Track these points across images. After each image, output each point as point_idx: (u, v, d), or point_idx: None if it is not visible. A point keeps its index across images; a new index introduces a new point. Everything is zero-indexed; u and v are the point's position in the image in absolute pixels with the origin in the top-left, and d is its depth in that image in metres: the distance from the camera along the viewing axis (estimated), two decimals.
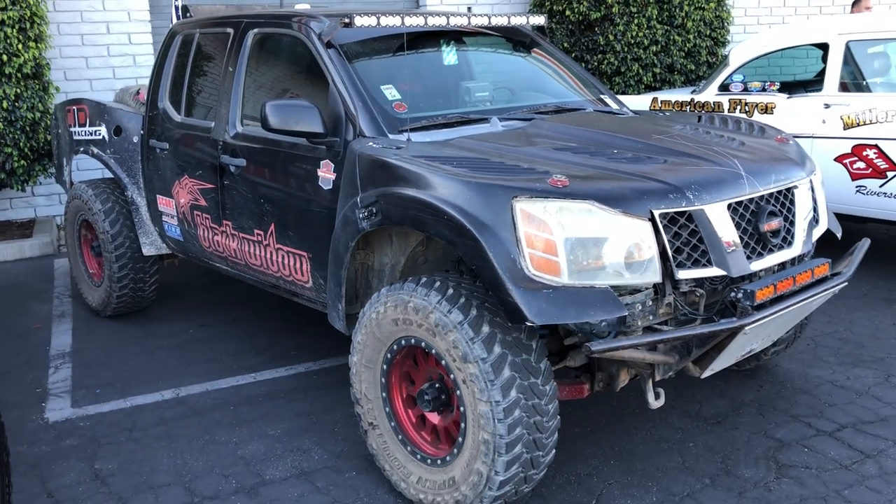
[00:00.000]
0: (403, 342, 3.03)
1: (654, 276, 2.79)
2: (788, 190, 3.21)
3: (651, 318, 2.90)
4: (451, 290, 2.86)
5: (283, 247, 3.89)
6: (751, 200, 3.04)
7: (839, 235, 3.69)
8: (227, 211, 4.26)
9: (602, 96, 4.42)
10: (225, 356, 4.70)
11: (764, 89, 6.35)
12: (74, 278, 5.73)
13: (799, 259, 3.30)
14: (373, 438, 3.23)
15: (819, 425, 3.67)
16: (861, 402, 3.87)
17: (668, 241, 2.80)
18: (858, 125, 5.62)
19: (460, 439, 2.88)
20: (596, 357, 3.05)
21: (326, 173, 3.53)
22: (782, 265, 3.23)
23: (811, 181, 3.39)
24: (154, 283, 5.32)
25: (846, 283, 3.28)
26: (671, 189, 2.84)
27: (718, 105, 6.54)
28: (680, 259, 2.83)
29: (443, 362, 2.86)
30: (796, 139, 5.88)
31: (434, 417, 3.09)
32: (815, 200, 3.41)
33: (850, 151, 5.67)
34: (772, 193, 3.12)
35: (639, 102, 7.24)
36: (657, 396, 3.08)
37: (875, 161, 5.54)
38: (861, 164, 5.62)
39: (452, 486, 2.92)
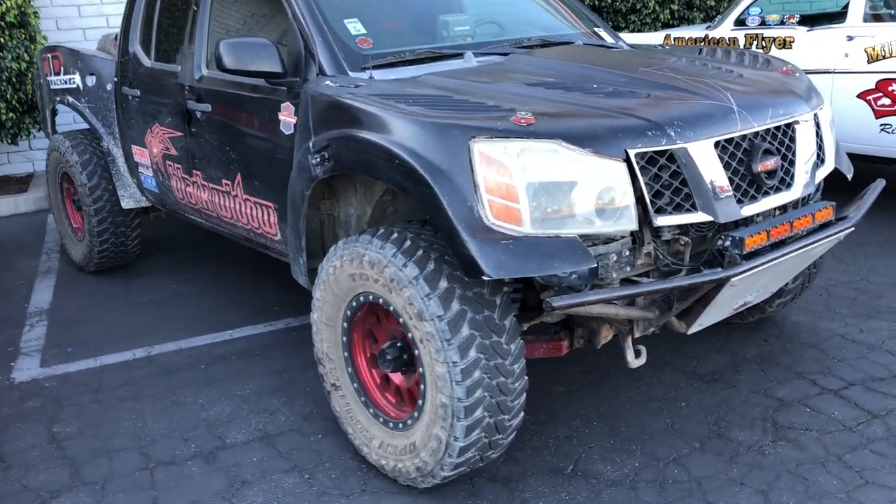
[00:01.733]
0: (362, 299, 2.79)
1: (629, 223, 2.51)
2: (788, 126, 2.88)
3: (628, 269, 2.63)
4: (408, 243, 2.61)
5: (250, 197, 3.66)
6: (743, 138, 2.72)
7: (849, 176, 3.36)
8: (196, 160, 4.04)
9: (596, 29, 4.08)
10: (205, 312, 4.52)
11: (783, 22, 5.92)
12: (60, 233, 5.57)
13: (802, 202, 2.99)
14: (336, 400, 3.03)
15: (824, 383, 3.39)
16: (873, 358, 3.58)
17: (646, 183, 2.51)
18: (884, 58, 5.19)
19: (420, 402, 2.66)
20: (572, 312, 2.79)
21: (287, 117, 3.26)
22: (783, 209, 2.92)
23: (816, 116, 3.05)
24: (137, 237, 5.14)
25: (853, 229, 2.96)
26: (650, 125, 2.54)
27: (734, 41, 6.13)
28: (660, 204, 2.54)
29: (400, 320, 2.63)
30: (817, 74, 5.50)
31: (397, 377, 2.87)
32: (820, 137, 3.08)
33: (874, 87, 5.26)
34: (768, 130, 2.80)
35: (651, 39, 6.84)
36: (637, 355, 2.82)
37: None
38: (886, 101, 5.22)
39: (413, 452, 2.71)
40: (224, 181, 3.82)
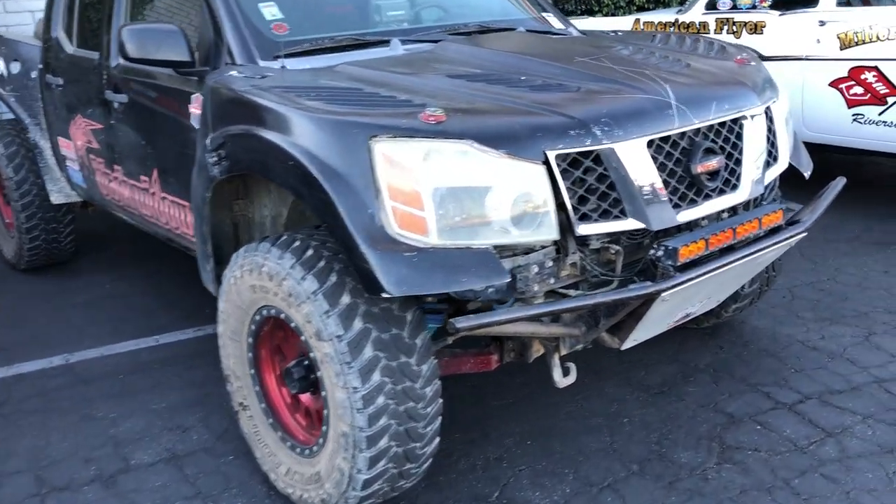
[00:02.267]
0: (265, 312, 2.54)
1: (550, 232, 2.26)
2: (735, 121, 2.62)
3: (552, 281, 2.38)
4: (309, 252, 2.35)
5: (168, 195, 3.40)
6: (682, 135, 2.47)
7: (807, 174, 3.11)
8: (116, 154, 3.77)
9: (544, 14, 3.81)
10: (136, 314, 4.26)
11: (754, 6, 5.65)
12: None
13: (751, 205, 2.76)
14: (244, 421, 2.79)
15: (780, 396, 3.16)
16: (833, 367, 3.35)
17: (568, 188, 2.26)
18: (856, 44, 4.94)
19: (325, 428, 2.42)
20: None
21: (198, 109, 2.99)
22: (732, 212, 2.68)
23: (769, 110, 2.80)
24: (70, 234, 4.86)
25: (805, 234, 2.73)
26: (573, 124, 2.28)
27: (704, 25, 5.87)
28: (584, 210, 2.29)
29: (302, 338, 2.38)
30: (788, 61, 5.25)
31: (306, 398, 2.63)
32: (773, 133, 2.83)
33: (846, 75, 5.01)
34: (711, 126, 2.55)
35: (621, 24, 6.57)
36: (566, 373, 2.59)
37: (874, 85, 4.88)
38: (859, 90, 4.97)
39: (318, 483, 2.47)
40: (142, 177, 3.56)
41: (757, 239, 2.59)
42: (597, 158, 2.30)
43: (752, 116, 2.67)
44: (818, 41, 5.16)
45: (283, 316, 2.44)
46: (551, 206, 2.24)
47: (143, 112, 3.43)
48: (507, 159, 2.19)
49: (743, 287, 3.41)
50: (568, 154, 2.26)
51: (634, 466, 2.78)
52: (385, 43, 3.08)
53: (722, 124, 2.58)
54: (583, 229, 2.28)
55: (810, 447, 2.82)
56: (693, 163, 2.45)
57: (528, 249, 2.32)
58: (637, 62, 2.82)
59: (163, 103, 3.26)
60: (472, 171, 2.17)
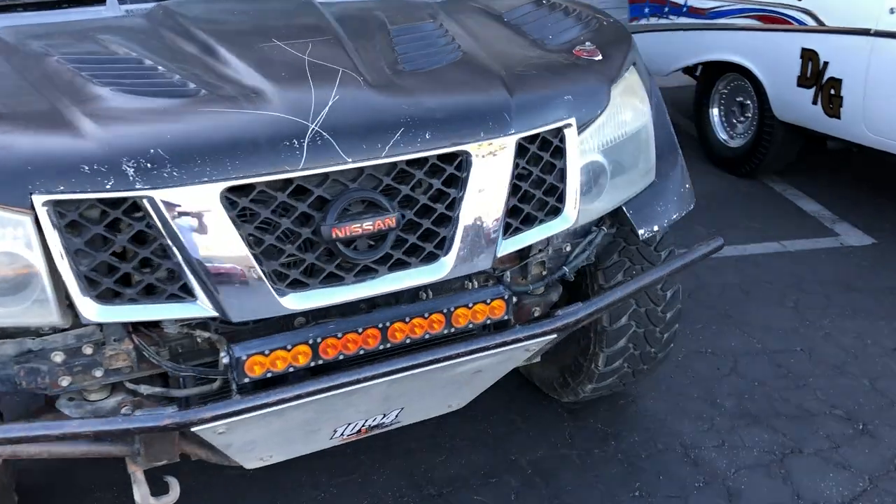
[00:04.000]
0: None
1: (46, 312, 1.52)
2: (449, 158, 1.70)
3: (99, 373, 1.66)
4: None
5: None
6: (323, 179, 1.60)
7: (642, 233, 2.08)
8: None
9: None
10: None
11: None
12: None
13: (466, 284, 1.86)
14: None
15: None
16: (694, 502, 2.35)
17: (80, 250, 1.50)
18: None
19: None
20: None
21: None
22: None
23: (561, 136, 1.83)
24: None
25: (550, 337, 1.78)
26: (91, 155, 1.49)
27: None
28: (108, 285, 1.53)
29: None
30: (851, 35, 3.93)
31: None
32: (561, 172, 1.86)
33: None
34: (394, 165, 1.66)
35: None
36: (166, 492, 1.85)
37: None
38: None
39: None
40: None
41: (446, 341, 1.70)
42: (135, 210, 1.52)
43: (490, 152, 1.73)
44: (892, 11, 3.77)
45: None
46: (44, 275, 1.50)
47: None
48: None
49: (596, 366, 2.47)
50: (77, 201, 1.49)
51: None
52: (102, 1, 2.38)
53: (416, 162, 1.68)
54: (93, 312, 1.51)
55: None
56: (325, 223, 1.59)
57: (37, 332, 1.60)
58: (358, 52, 1.90)
59: None
60: None
